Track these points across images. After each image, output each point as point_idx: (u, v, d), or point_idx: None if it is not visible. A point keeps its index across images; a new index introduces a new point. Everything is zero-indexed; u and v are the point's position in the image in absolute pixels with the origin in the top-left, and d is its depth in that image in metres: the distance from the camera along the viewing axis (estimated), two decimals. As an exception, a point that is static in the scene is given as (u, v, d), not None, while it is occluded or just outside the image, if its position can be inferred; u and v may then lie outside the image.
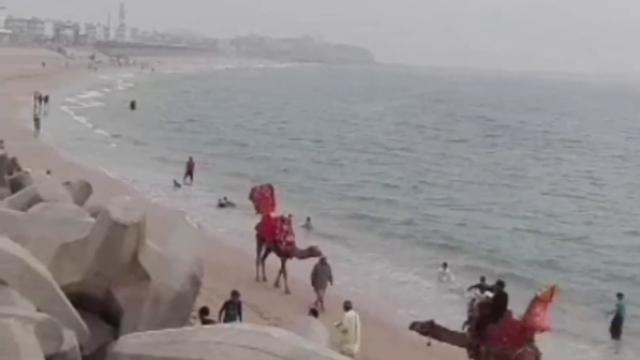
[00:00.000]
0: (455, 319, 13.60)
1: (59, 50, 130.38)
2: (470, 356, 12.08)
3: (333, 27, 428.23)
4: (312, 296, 15.22)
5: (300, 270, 16.37)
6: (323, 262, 15.57)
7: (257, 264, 16.89)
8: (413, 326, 12.95)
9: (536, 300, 11.13)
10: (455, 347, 12.49)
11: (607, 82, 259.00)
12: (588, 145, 51.14)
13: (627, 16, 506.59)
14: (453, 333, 12.45)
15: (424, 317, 13.32)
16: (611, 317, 15.80)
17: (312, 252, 16.26)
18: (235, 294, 12.07)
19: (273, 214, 16.96)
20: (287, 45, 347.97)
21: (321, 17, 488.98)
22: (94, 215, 7.97)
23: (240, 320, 11.55)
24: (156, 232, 7.79)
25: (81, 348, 5.83)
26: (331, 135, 49.09)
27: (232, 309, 11.83)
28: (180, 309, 7.25)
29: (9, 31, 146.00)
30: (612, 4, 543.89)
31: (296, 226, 18.11)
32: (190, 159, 29.37)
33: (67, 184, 11.37)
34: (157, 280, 7.12)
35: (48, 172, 14.94)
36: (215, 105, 68.70)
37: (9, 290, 5.48)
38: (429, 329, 12.65)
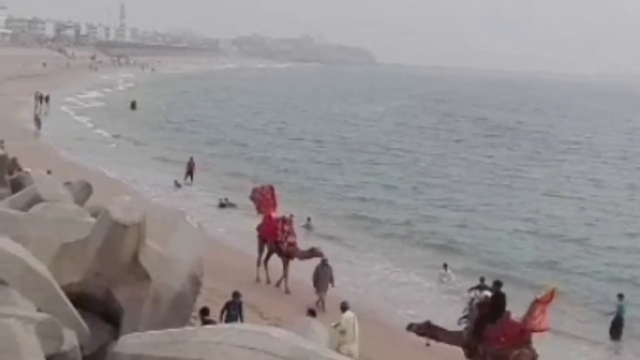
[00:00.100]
0: (455, 319, 13.58)
1: (60, 50, 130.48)
2: (467, 356, 12.08)
3: (333, 28, 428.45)
4: (312, 296, 15.22)
5: (300, 270, 16.38)
6: (324, 263, 15.56)
7: (258, 264, 16.88)
8: (410, 327, 12.95)
9: (536, 302, 11.14)
10: (455, 348, 12.49)
11: (608, 82, 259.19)
12: (589, 147, 51.12)
13: (627, 16, 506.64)
14: (450, 333, 12.46)
15: (424, 318, 13.32)
16: (611, 318, 15.81)
17: (313, 253, 16.24)
18: (236, 294, 12.09)
19: (274, 215, 16.95)
20: (287, 45, 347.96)
21: (322, 17, 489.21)
22: (94, 215, 7.98)
23: (242, 320, 11.56)
24: (156, 232, 7.81)
25: (81, 348, 5.84)
26: (331, 135, 49.09)
27: (233, 309, 11.86)
28: (181, 309, 7.26)
29: (10, 31, 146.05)
30: (613, 4, 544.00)
31: (297, 226, 18.10)
32: (191, 159, 29.38)
33: (67, 184, 11.38)
34: (158, 280, 7.13)
35: (48, 172, 14.94)
36: (216, 106, 68.72)
37: (10, 290, 5.49)
38: (426, 330, 12.66)
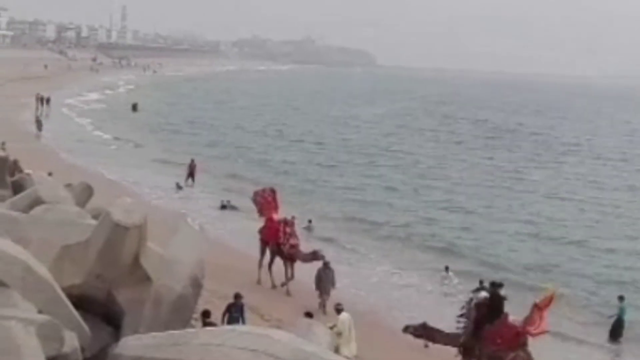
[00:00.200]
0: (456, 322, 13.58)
1: (61, 52, 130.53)
2: (463, 356, 12.07)
3: (335, 30, 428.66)
4: (313, 299, 15.23)
5: (301, 272, 16.38)
6: (326, 266, 15.56)
7: (260, 266, 16.87)
8: (406, 329, 12.94)
9: (534, 307, 11.15)
10: (452, 349, 12.48)
11: (609, 83, 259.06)
12: (589, 149, 51.11)
13: (628, 17, 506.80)
14: (447, 334, 12.46)
15: (425, 321, 13.30)
16: (613, 320, 15.82)
17: (315, 256, 16.21)
18: (238, 296, 12.11)
19: (276, 217, 16.95)
20: (288, 47, 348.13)
21: (323, 19, 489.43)
22: (95, 217, 8.00)
23: (243, 322, 11.57)
24: (158, 234, 7.82)
25: (82, 350, 5.85)
26: (332, 137, 49.09)
27: (235, 311, 11.87)
28: (182, 311, 7.26)
29: (11, 33, 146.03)
30: (612, 5, 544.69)
31: (297, 229, 18.09)
32: (192, 161, 29.41)
33: (68, 186, 11.40)
34: (159, 282, 7.14)
35: (49, 174, 14.93)
36: (217, 108, 68.78)
37: (11, 292, 5.50)
38: (422, 331, 12.65)
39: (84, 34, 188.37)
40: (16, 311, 5.23)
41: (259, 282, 16.69)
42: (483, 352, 11.54)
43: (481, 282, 15.41)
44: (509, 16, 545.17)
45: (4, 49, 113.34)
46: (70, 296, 6.23)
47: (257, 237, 17.17)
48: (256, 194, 17.69)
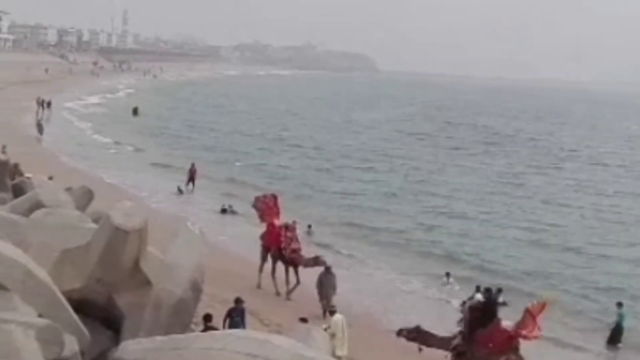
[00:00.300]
0: (455, 328, 13.58)
1: (62, 56, 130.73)
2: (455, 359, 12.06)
3: (336, 35, 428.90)
4: (313, 303, 15.22)
5: (302, 278, 16.35)
6: (328, 271, 15.55)
7: (260, 271, 16.84)
8: (400, 332, 12.94)
9: (526, 312, 11.16)
10: (447, 353, 12.47)
11: (607, 90, 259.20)
12: (588, 154, 51.17)
13: (627, 21, 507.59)
14: (442, 338, 12.45)
15: (424, 326, 13.29)
16: (612, 326, 15.83)
17: (317, 261, 16.19)
18: (238, 300, 12.12)
19: (277, 222, 16.94)
20: (289, 52, 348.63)
21: (324, 24, 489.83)
22: (95, 221, 8.02)
23: (244, 326, 11.57)
24: (158, 238, 7.83)
25: (82, 354, 5.86)
26: (331, 143, 49.12)
27: (235, 316, 11.88)
28: (182, 315, 7.28)
29: (13, 37, 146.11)
30: (610, 12, 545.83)
31: (299, 233, 18.07)
32: (192, 165, 29.41)
33: (69, 189, 11.42)
34: (159, 286, 7.15)
35: (50, 178, 15.01)
36: (217, 112, 68.83)
37: (11, 295, 5.51)
38: (416, 335, 12.64)
39: (85, 38, 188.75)
40: (16, 315, 5.24)
41: (259, 286, 16.67)
42: (475, 356, 11.54)
43: (477, 288, 15.45)
44: (508, 23, 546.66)
45: (6, 52, 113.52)
46: (71, 300, 6.24)
47: (258, 241, 17.16)
48: (257, 199, 17.67)
